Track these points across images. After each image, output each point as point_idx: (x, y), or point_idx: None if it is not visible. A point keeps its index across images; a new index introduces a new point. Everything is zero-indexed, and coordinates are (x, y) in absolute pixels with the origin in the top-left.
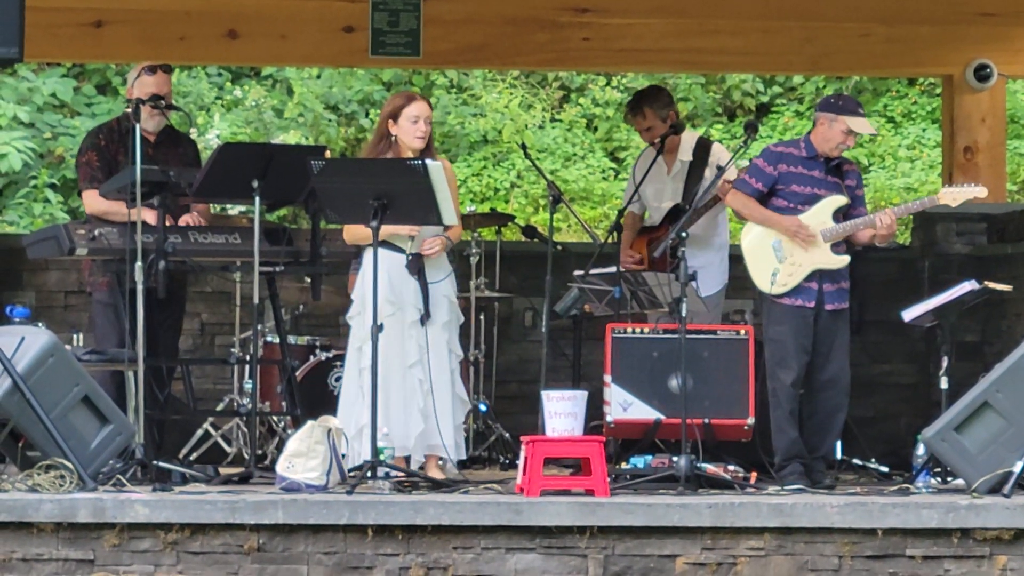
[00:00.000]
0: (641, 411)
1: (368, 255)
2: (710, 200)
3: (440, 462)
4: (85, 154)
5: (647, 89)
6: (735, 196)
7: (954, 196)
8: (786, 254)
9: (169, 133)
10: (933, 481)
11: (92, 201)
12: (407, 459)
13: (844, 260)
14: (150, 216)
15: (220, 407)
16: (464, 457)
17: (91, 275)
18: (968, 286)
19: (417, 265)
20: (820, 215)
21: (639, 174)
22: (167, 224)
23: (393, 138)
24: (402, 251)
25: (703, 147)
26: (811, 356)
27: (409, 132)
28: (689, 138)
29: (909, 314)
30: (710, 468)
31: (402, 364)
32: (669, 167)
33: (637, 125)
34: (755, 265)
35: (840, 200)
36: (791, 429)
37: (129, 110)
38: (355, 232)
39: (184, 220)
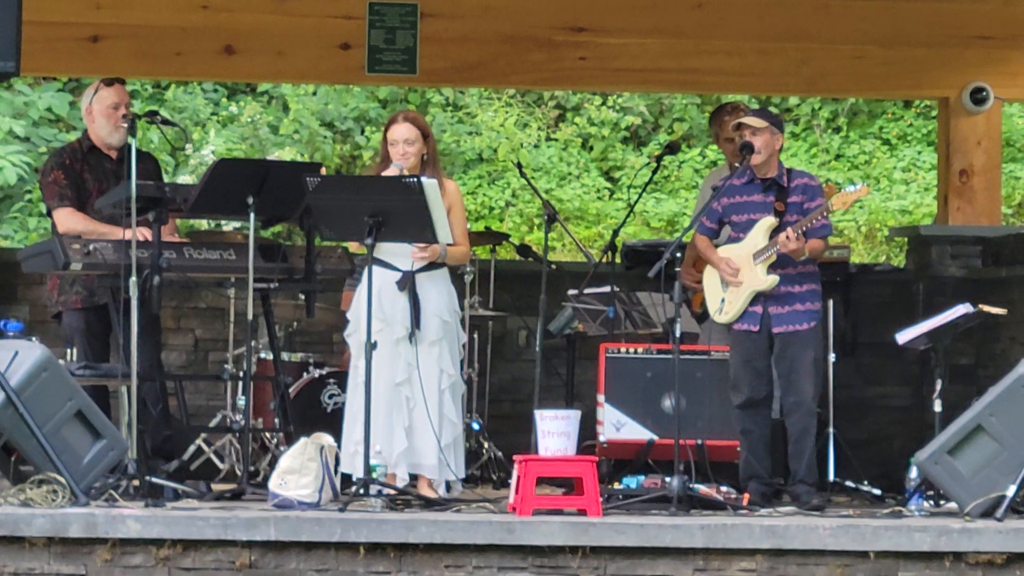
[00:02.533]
0: (634, 431)
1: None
2: None
3: (437, 481)
4: (51, 174)
5: (729, 102)
6: (695, 235)
7: (843, 200)
8: (728, 283)
9: (129, 150)
10: (926, 504)
11: (64, 218)
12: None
13: (771, 280)
14: (121, 234)
15: (213, 423)
16: (455, 477)
17: (60, 294)
18: (962, 309)
19: (407, 282)
20: (754, 239)
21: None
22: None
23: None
24: (394, 268)
25: None
26: (769, 380)
27: (392, 154)
28: None
29: (903, 337)
30: (703, 489)
31: (390, 381)
32: None
33: (724, 132)
34: (709, 295)
35: (768, 221)
36: (744, 450)
37: (120, 128)
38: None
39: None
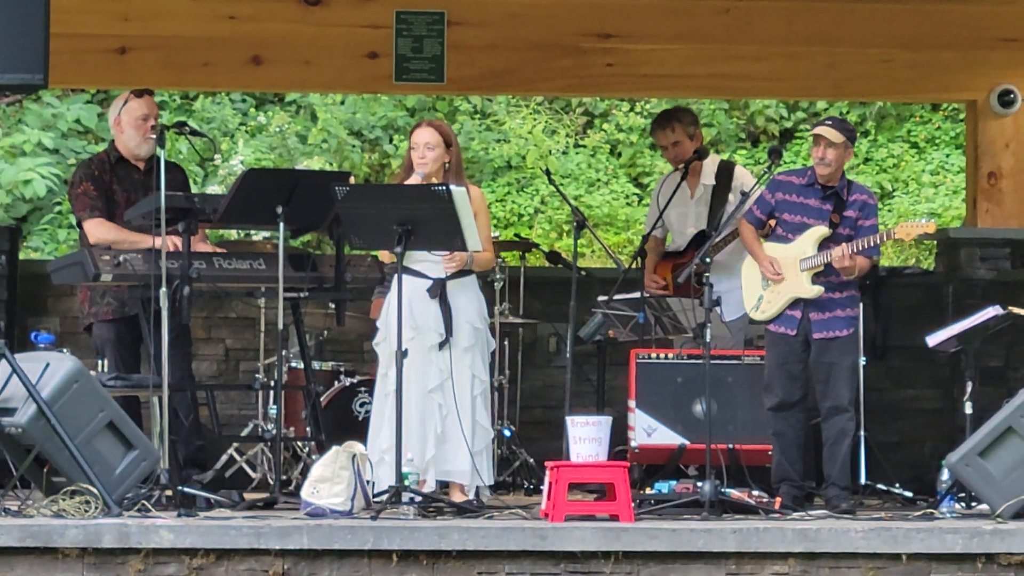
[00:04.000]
0: (665, 436)
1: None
2: (730, 234)
3: (469, 487)
4: (80, 185)
5: (674, 107)
6: (742, 223)
7: (908, 231)
8: (770, 282)
9: (158, 161)
10: (957, 506)
11: (95, 228)
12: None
13: (816, 290)
14: (152, 241)
15: (245, 432)
16: (487, 483)
17: (92, 306)
18: (992, 311)
19: (438, 289)
20: (803, 244)
21: (662, 199)
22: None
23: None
24: (424, 276)
25: (725, 171)
26: (803, 383)
27: (413, 157)
28: (711, 162)
29: (933, 339)
30: (734, 493)
31: (421, 389)
32: (692, 191)
33: (664, 140)
34: (747, 289)
35: (821, 231)
36: (776, 452)
37: (149, 140)
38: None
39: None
